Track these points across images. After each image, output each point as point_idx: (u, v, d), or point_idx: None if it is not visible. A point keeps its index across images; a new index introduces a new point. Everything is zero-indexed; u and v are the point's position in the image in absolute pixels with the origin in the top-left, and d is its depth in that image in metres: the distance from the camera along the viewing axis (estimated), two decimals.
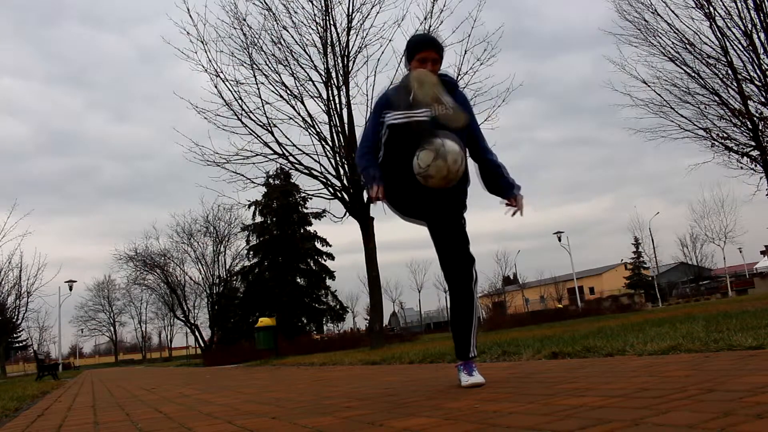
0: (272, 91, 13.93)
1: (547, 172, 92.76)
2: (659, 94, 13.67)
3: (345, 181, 13.74)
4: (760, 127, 12.78)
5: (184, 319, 30.59)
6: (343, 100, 13.82)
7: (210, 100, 14.15)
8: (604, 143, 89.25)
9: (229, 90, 13.37)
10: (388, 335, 21.55)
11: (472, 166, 2.93)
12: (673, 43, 13.29)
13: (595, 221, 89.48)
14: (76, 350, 68.47)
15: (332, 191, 13.91)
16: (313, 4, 13.38)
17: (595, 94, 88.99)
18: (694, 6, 12.83)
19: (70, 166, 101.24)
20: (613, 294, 41.77)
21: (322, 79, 13.73)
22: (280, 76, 13.60)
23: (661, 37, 13.38)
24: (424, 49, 2.78)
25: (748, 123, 12.86)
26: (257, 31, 13.41)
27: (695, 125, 13.57)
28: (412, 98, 2.66)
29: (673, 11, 13.03)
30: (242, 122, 13.40)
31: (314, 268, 32.81)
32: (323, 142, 13.85)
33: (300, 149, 13.80)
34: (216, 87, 13.31)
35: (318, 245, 33.10)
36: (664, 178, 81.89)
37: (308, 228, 33.09)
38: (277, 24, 13.40)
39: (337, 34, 13.48)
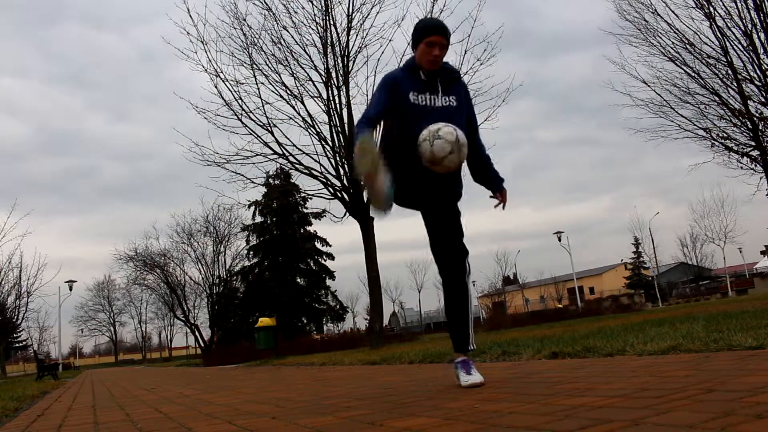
0: (272, 91, 14.00)
1: (547, 172, 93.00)
2: (659, 94, 13.68)
3: (345, 181, 13.74)
4: (760, 127, 12.77)
5: (184, 319, 30.60)
6: (343, 100, 13.85)
7: (210, 100, 14.22)
8: (604, 143, 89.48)
9: (229, 90, 13.43)
10: (388, 335, 21.56)
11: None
12: (673, 43, 13.29)
13: (595, 221, 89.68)
14: (76, 350, 68.39)
15: (332, 191, 13.92)
16: (313, 4, 13.42)
17: (595, 94, 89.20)
18: (694, 6, 12.84)
19: (70, 166, 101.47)
20: (613, 294, 41.70)
21: (322, 79, 13.76)
22: (280, 76, 13.65)
23: (661, 37, 13.39)
24: (433, 34, 2.78)
25: (748, 123, 12.86)
26: (257, 31, 13.46)
27: (695, 125, 13.58)
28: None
29: (673, 11, 13.04)
30: (242, 122, 13.46)
31: (314, 268, 32.85)
32: (323, 142, 13.88)
33: (300, 149, 13.86)
34: (216, 87, 13.39)
35: (318, 245, 33.14)
36: (664, 178, 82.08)
37: (308, 228, 33.13)
38: (277, 24, 13.44)
39: (337, 34, 13.51)
